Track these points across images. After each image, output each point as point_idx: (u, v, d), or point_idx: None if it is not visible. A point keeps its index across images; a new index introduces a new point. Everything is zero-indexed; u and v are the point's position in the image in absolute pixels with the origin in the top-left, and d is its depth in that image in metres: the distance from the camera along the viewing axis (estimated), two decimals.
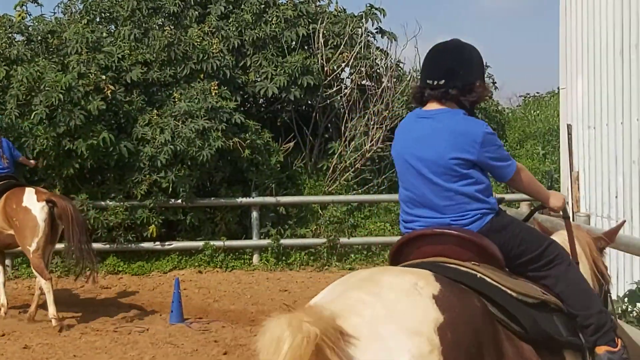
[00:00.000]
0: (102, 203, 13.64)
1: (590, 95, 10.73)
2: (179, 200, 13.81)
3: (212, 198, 14.37)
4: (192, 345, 9.11)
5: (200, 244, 13.92)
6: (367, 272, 3.53)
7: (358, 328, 3.03)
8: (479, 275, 3.64)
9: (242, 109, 15.22)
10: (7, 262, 12.61)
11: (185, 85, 14.41)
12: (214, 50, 14.69)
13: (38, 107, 12.84)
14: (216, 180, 14.50)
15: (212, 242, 13.91)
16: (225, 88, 14.45)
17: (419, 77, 4.11)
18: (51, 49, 14.29)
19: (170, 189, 13.60)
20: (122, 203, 13.58)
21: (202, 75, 14.51)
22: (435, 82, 3.84)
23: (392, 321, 3.09)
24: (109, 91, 13.33)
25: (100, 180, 14.14)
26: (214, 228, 14.40)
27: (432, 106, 3.89)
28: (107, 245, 13.71)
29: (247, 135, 14.16)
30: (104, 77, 13.42)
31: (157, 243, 13.86)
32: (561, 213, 4.45)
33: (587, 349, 3.91)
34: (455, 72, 3.87)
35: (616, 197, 9.80)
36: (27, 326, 10.05)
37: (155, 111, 13.99)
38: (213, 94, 14.04)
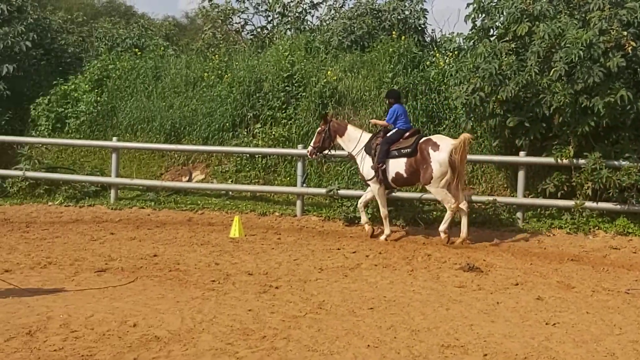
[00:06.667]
0: (615, 162, 13.38)
1: None
2: None
3: None
4: None
5: None
6: (441, 137, 13.36)
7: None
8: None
9: None
10: None
11: None
12: None
13: (557, 63, 12.93)
14: None
15: None
16: None
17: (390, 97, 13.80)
18: (572, 5, 14.15)
19: None
20: (636, 164, 13.16)
21: None
22: (402, 99, 14.77)
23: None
24: (629, 48, 12.91)
25: (614, 139, 13.80)
26: None
27: (400, 102, 13.59)
28: (618, 206, 13.47)
29: None
30: (625, 33, 13.00)
31: None
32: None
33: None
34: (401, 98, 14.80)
35: None
36: (539, 279, 10.34)
37: None
38: None
